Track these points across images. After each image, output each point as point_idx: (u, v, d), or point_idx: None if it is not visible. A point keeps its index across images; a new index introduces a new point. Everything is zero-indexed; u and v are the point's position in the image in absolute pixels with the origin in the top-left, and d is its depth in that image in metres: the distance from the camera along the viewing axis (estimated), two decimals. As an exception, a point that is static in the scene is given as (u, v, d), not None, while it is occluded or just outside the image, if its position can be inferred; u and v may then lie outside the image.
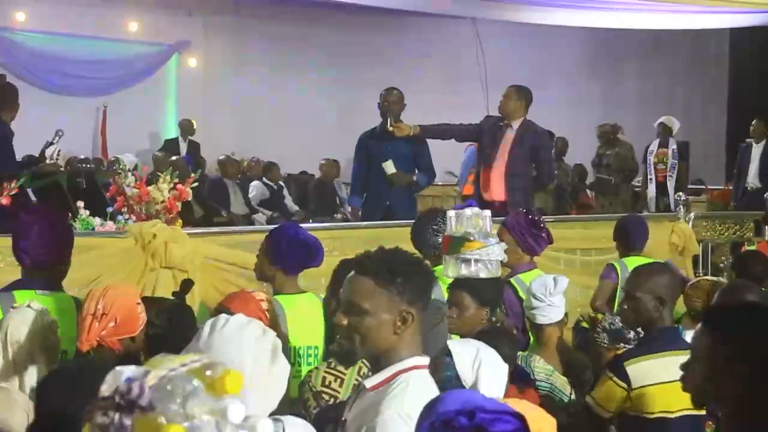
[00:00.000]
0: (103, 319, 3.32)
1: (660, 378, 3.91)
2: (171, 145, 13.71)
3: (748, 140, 11.80)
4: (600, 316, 5.04)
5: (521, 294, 5.10)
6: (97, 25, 14.02)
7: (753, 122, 11.81)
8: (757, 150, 11.63)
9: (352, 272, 2.74)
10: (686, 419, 3.88)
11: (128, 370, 1.50)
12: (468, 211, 4.62)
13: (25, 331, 3.21)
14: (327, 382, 3.42)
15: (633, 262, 5.89)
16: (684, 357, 3.86)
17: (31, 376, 3.18)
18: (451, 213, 4.70)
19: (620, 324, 4.63)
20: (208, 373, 1.49)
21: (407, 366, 2.66)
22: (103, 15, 14.10)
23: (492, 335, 4.13)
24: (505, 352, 3.96)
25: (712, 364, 2.59)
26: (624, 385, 3.92)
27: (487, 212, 4.66)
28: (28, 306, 3.30)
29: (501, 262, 4.53)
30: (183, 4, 14.75)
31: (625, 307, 4.10)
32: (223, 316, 2.57)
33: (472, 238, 4.44)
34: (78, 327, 3.39)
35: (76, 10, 13.80)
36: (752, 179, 11.59)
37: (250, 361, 2.45)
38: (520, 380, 4.35)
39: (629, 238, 6.37)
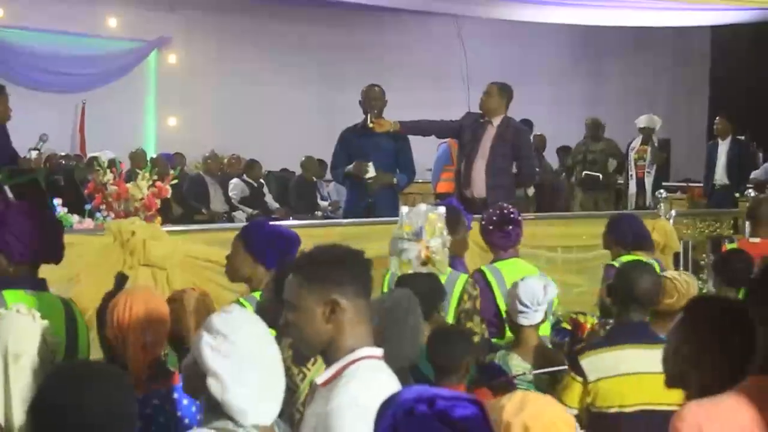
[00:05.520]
0: None
1: (617, 370, 3.95)
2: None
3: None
4: (582, 318, 5.05)
5: (490, 279, 5.26)
6: (77, 21, 13.99)
7: (716, 120, 11.91)
8: (723, 147, 11.75)
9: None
10: (642, 414, 3.91)
11: None
12: (422, 206, 4.74)
13: (21, 340, 3.09)
14: (291, 372, 3.41)
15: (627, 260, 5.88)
16: (645, 351, 3.93)
17: (27, 383, 3.06)
18: (404, 209, 4.80)
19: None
20: None
21: (356, 357, 2.70)
22: (82, 11, 14.07)
23: (445, 333, 4.15)
24: (459, 349, 3.97)
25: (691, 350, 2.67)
26: (580, 378, 3.97)
27: (442, 209, 4.87)
28: (17, 310, 3.19)
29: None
30: (163, 1, 14.70)
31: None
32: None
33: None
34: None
35: (56, 6, 13.77)
36: (720, 176, 11.70)
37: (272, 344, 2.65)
38: (495, 377, 4.37)
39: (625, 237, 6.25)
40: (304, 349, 2.81)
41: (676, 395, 3.77)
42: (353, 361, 2.69)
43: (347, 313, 2.71)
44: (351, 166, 7.92)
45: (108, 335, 3.50)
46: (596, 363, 3.98)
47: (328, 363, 2.74)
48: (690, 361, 2.62)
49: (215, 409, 2.59)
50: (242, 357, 2.56)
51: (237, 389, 2.54)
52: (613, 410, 3.94)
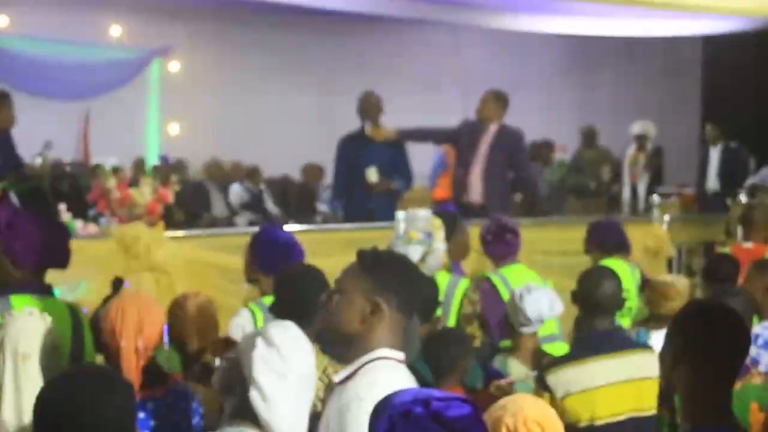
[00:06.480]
0: None
1: (582, 385, 3.90)
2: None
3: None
4: None
5: (498, 285, 5.29)
6: (80, 29, 14.04)
7: (706, 127, 12.00)
8: (714, 153, 11.80)
9: None
10: (614, 425, 3.87)
11: None
12: (422, 212, 4.84)
13: (30, 341, 3.16)
14: None
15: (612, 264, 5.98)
16: (611, 361, 3.93)
17: (37, 383, 3.09)
18: (400, 214, 4.90)
19: None
20: None
21: (374, 357, 2.74)
22: (86, 20, 14.12)
23: (441, 336, 4.25)
24: (453, 352, 4.08)
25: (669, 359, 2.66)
26: (547, 394, 3.89)
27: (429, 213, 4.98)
28: (30, 313, 3.26)
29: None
30: (165, 11, 14.79)
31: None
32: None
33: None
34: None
35: (59, 14, 13.83)
36: (711, 182, 11.76)
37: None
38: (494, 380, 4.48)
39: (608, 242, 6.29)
40: (330, 333, 2.85)
41: (647, 402, 3.81)
42: (370, 360, 2.73)
43: (384, 320, 2.75)
44: None
45: (102, 340, 3.51)
46: (561, 379, 3.92)
47: (348, 361, 2.77)
48: (676, 362, 2.60)
49: (236, 413, 2.62)
50: (291, 377, 2.60)
51: (278, 407, 2.57)
52: (583, 425, 3.89)
